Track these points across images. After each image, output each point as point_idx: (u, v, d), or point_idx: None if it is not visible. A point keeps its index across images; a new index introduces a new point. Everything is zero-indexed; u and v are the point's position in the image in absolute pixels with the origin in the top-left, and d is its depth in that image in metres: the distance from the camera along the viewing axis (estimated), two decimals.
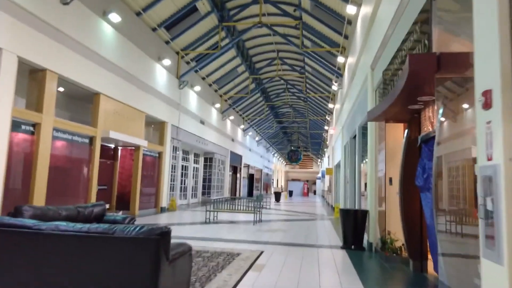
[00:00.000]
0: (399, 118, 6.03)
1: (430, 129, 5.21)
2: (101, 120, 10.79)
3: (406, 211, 5.65)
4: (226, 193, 27.06)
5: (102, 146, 12.33)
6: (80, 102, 11.54)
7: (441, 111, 3.79)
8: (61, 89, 10.75)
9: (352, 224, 7.49)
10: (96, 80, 10.47)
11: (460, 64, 3.27)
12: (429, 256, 5.49)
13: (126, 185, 13.50)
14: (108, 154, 12.98)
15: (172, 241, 3.33)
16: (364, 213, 7.53)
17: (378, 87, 7.35)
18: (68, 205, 6.01)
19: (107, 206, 10.12)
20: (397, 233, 6.60)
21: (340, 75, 16.02)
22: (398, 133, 6.81)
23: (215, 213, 12.73)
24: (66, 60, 9.16)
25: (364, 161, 9.97)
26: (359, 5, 10.06)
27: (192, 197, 21.84)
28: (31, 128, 8.25)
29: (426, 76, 3.77)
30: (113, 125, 11.45)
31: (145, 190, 14.23)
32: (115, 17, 10.84)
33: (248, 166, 35.43)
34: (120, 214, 8.37)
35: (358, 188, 10.15)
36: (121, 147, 13.55)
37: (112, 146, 13.25)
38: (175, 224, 10.89)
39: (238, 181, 31.31)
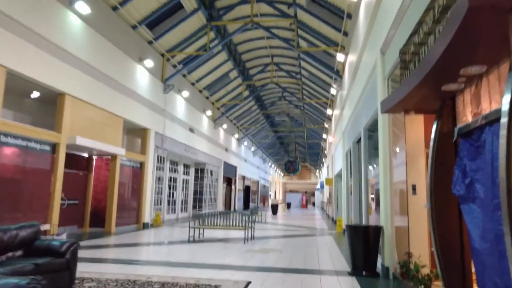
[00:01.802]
0: (424, 106, 4.63)
1: (471, 119, 3.82)
2: (66, 124, 9.35)
3: (440, 229, 4.20)
4: (220, 207, 25.47)
5: (72, 155, 10.88)
6: (48, 106, 10.12)
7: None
8: (36, 94, 9.38)
9: (363, 244, 6.02)
10: (60, 78, 9.07)
11: None
12: None
13: (102, 199, 11.98)
14: (80, 164, 11.50)
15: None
16: (378, 230, 6.06)
17: (391, 75, 5.98)
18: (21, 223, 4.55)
19: (50, 226, 8.46)
20: (423, 256, 5.15)
21: (339, 77, 14.72)
22: (420, 128, 5.42)
23: (202, 229, 11.22)
24: (18, 53, 7.76)
25: (371, 168, 8.56)
26: None
27: (182, 211, 20.27)
28: None
29: (492, 18, 2.39)
30: (83, 130, 10.01)
31: (124, 204, 12.70)
32: (83, 8, 9.51)
33: (243, 178, 33.90)
34: (62, 238, 6.86)
35: (365, 200, 8.71)
36: (96, 157, 12.08)
37: (86, 155, 11.78)
38: (152, 244, 9.35)
39: (233, 194, 29.74)
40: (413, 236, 5.18)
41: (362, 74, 8.69)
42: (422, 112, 4.93)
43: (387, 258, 5.90)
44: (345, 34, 13.07)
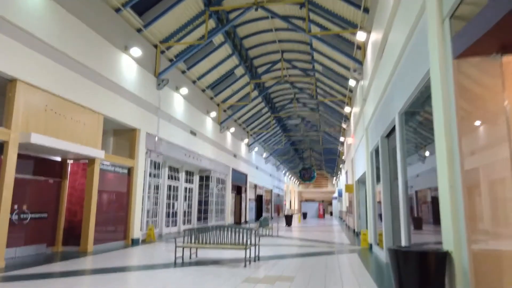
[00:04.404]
0: None
1: None
2: (18, 118, 7.46)
3: None
4: (229, 218, 23.32)
5: (41, 159, 9.03)
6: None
7: None
8: None
9: (419, 278, 3.80)
10: (9, 59, 7.22)
11: None
12: None
13: (78, 212, 10.04)
14: (51, 170, 9.60)
15: None
16: (442, 258, 3.83)
17: (455, 10, 3.80)
18: None
19: None
20: None
21: (359, 63, 12.54)
22: (498, 91, 3.22)
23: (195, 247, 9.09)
24: None
25: (405, 164, 6.32)
26: None
27: (185, 223, 18.21)
28: None
29: None
30: (45, 127, 8.12)
31: (107, 217, 10.72)
32: None
33: (255, 186, 31.70)
34: None
35: (405, 210, 6.45)
36: (71, 161, 10.18)
37: (59, 159, 9.89)
38: (124, 269, 7.25)
39: (243, 203, 27.55)
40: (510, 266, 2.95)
41: (398, 34, 6.52)
42: None
43: None
44: (366, 10, 10.96)
